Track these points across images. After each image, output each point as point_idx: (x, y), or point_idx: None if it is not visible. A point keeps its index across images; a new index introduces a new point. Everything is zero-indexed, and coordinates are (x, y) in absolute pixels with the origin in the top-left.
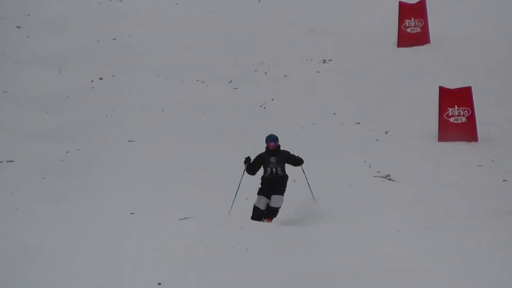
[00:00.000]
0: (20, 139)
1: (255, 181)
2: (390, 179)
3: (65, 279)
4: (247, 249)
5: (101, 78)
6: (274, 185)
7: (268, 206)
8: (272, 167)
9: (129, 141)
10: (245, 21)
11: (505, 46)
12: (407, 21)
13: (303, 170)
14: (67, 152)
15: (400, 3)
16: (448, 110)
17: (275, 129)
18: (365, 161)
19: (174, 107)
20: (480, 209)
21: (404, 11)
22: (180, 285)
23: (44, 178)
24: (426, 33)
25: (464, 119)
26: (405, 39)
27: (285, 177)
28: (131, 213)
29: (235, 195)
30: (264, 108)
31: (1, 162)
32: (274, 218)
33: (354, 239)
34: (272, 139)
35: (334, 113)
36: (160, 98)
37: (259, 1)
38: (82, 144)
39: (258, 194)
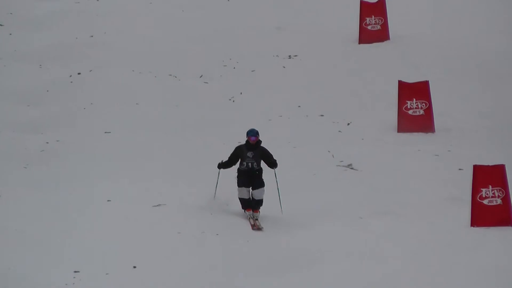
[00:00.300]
0: (2, 130)
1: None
2: (352, 168)
3: (44, 262)
4: (217, 234)
5: (79, 73)
6: (252, 179)
7: (252, 198)
8: (249, 162)
9: (105, 132)
10: (214, 20)
11: (460, 43)
12: (367, 19)
13: (275, 175)
14: (47, 142)
15: (361, 2)
16: (407, 103)
17: (243, 121)
18: (329, 151)
19: (148, 100)
20: (436, 196)
21: (365, 10)
22: (154, 268)
23: (25, 168)
24: (386, 30)
25: (422, 112)
26: (366, 36)
27: (260, 170)
28: (108, 200)
29: (214, 194)
30: (233, 101)
31: None
32: (260, 207)
33: (320, 225)
34: (253, 133)
35: (299, 106)
36: (135, 92)
37: (228, 0)
38: (61, 135)
39: (239, 186)
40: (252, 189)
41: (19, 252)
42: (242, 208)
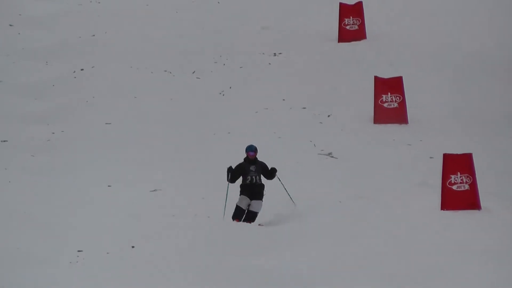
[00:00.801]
0: (12, 122)
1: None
2: (332, 156)
3: (50, 242)
4: (208, 217)
5: (82, 69)
6: (253, 191)
7: (248, 210)
8: (252, 175)
9: (106, 123)
10: (206, 20)
11: (432, 42)
12: (346, 19)
13: (279, 178)
14: (53, 133)
15: (340, 4)
16: (382, 96)
17: (232, 113)
18: (311, 141)
19: (145, 94)
20: (409, 182)
21: (344, 11)
22: (150, 248)
23: (33, 156)
24: (363, 30)
25: (396, 105)
26: (345, 35)
27: (262, 186)
28: (108, 186)
29: (225, 204)
30: (223, 95)
31: None
32: (252, 222)
33: (303, 209)
34: (251, 149)
35: (284, 99)
36: (133, 86)
37: (218, 2)
38: (65, 126)
39: (240, 194)
40: (252, 198)
41: (27, 232)
42: (233, 216)
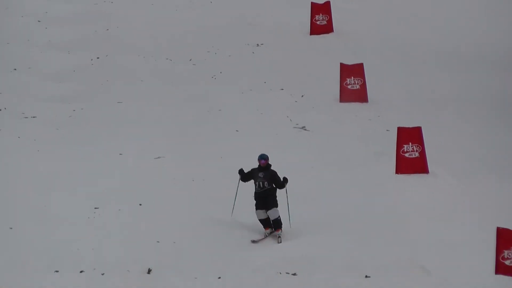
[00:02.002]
0: (40, 101)
1: (249, 196)
2: (305, 130)
3: (71, 201)
4: (203, 180)
5: (98, 58)
6: (266, 200)
7: (269, 218)
8: (259, 181)
9: (118, 102)
10: (201, 17)
11: (391, 36)
12: (316, 16)
13: (286, 191)
14: (74, 110)
15: (312, 3)
16: (347, 80)
17: (222, 93)
18: (287, 117)
19: (150, 78)
20: (369, 151)
21: (314, 9)
22: (155, 206)
23: (57, 129)
24: (331, 24)
25: (358, 86)
26: (315, 29)
27: (273, 189)
28: (120, 154)
29: (234, 202)
30: (215, 78)
31: (26, 117)
32: (282, 226)
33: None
34: (263, 157)
35: (265, 82)
36: (140, 71)
37: (211, 2)
38: (84, 105)
39: (256, 209)
40: (267, 210)
41: (52, 193)
42: (263, 226)
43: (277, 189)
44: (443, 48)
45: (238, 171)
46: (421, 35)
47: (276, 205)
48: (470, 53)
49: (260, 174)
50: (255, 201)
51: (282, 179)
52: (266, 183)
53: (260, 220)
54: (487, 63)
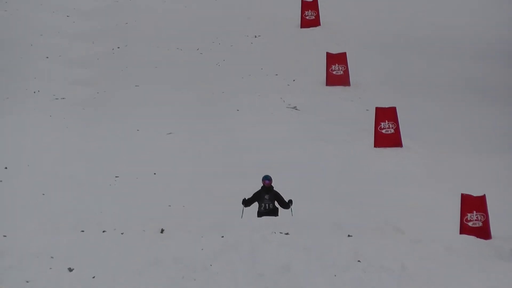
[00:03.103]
0: (68, 84)
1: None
2: (296, 109)
3: (94, 169)
4: (208, 152)
5: (118, 47)
6: (269, 215)
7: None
8: (266, 203)
9: (135, 86)
10: (206, 12)
11: (372, 28)
12: (306, 12)
13: (291, 210)
14: (97, 92)
15: (302, 1)
16: (332, 66)
17: (224, 78)
18: (281, 98)
19: (163, 65)
20: (351, 127)
21: (304, 5)
22: (167, 175)
23: (83, 109)
24: (318, 19)
25: (341, 72)
26: (305, 23)
27: (276, 209)
28: (137, 130)
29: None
30: (219, 65)
31: (57, 99)
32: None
33: (273, 145)
34: (267, 178)
35: (262, 68)
36: (155, 59)
37: (215, 0)
38: (106, 88)
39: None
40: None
41: (79, 164)
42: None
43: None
44: (420, 37)
45: (241, 201)
46: (399, 26)
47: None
48: (444, 41)
49: (266, 196)
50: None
51: (287, 201)
52: (271, 204)
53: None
54: (460, 51)
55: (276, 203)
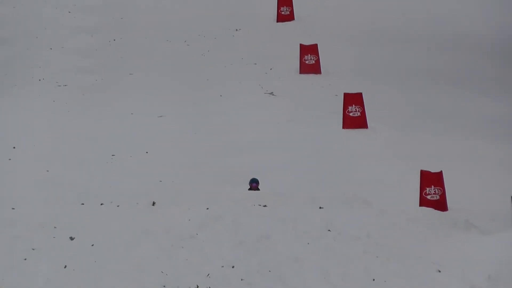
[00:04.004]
0: (70, 72)
1: None
2: (273, 95)
3: (93, 148)
4: (195, 133)
5: (114, 40)
6: None
7: None
8: None
9: (129, 74)
10: (192, 8)
11: (342, 22)
12: (281, 8)
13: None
14: (96, 80)
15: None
16: (305, 56)
17: (209, 67)
18: (259, 85)
19: (155, 55)
20: (322, 111)
21: (280, 2)
22: (158, 154)
23: (83, 95)
24: (292, 14)
25: (313, 61)
26: (281, 18)
27: None
28: (131, 113)
29: None
30: (204, 56)
31: (59, 86)
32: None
33: (246, 125)
34: (254, 181)
35: (242, 58)
36: (147, 50)
37: None
38: (104, 75)
39: None
40: None
41: (79, 143)
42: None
43: None
44: (384, 28)
45: None
46: (365, 19)
47: None
48: (408, 33)
49: None
50: None
51: None
52: None
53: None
54: (422, 42)
55: None
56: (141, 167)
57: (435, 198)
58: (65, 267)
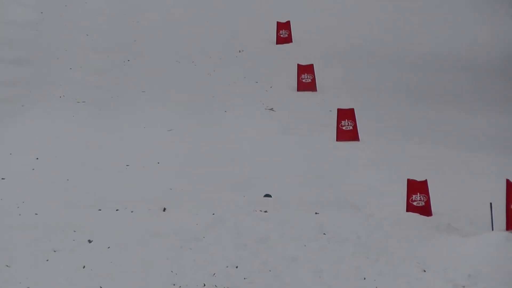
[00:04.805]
0: (88, 90)
1: None
2: (273, 110)
3: (108, 158)
4: (202, 145)
5: (128, 60)
6: None
7: None
8: None
9: (142, 91)
10: (199, 31)
11: (335, 43)
12: (280, 31)
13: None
14: (111, 97)
15: (277, 22)
16: (302, 75)
17: (214, 85)
18: (260, 101)
19: (165, 75)
20: (316, 124)
21: (279, 26)
22: (169, 164)
23: (100, 110)
24: (290, 36)
25: (310, 80)
26: (280, 40)
27: None
28: (144, 127)
29: None
30: (210, 75)
31: (78, 102)
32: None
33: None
34: (269, 196)
35: (245, 77)
36: (158, 70)
37: (207, 22)
38: (119, 93)
39: None
40: None
41: (95, 154)
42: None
43: None
44: (371, 50)
45: None
46: (355, 40)
47: None
48: (392, 53)
49: None
50: None
51: None
52: None
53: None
54: (404, 61)
55: None
56: (153, 176)
57: (420, 205)
58: (84, 267)
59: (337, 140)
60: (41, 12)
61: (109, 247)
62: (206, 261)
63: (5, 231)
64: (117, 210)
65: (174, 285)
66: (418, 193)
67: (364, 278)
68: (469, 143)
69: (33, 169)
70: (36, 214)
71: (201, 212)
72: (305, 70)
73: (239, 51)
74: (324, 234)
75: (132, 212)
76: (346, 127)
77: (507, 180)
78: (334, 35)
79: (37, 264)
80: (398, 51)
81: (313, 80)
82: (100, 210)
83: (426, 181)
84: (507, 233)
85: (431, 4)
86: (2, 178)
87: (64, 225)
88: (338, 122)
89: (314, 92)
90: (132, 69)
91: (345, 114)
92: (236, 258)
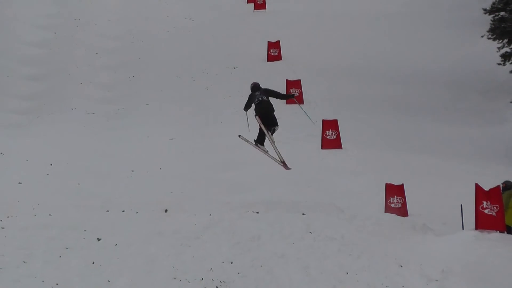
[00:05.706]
0: (97, 103)
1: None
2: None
3: (116, 165)
4: (201, 152)
5: (133, 76)
6: (264, 110)
7: (264, 134)
8: (258, 96)
9: (146, 104)
10: (197, 49)
11: (320, 60)
12: (271, 49)
13: (295, 100)
14: (118, 109)
15: (268, 42)
16: (290, 89)
17: (211, 98)
18: (253, 113)
19: (166, 89)
20: (303, 135)
21: (270, 45)
22: (170, 170)
23: (107, 121)
24: (280, 54)
25: (297, 93)
26: (270, 58)
27: (269, 103)
28: (147, 136)
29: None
30: (207, 89)
31: (88, 114)
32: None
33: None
34: (254, 83)
35: (238, 91)
36: (160, 84)
37: (205, 41)
38: (125, 105)
39: (256, 115)
40: (270, 126)
41: (105, 160)
42: (256, 141)
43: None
44: (352, 65)
45: (243, 109)
46: (340, 57)
47: (277, 122)
48: (372, 68)
49: (257, 93)
50: (255, 113)
51: (283, 93)
52: (264, 96)
53: (260, 129)
54: (389, 76)
55: (270, 99)
56: (155, 181)
57: (397, 206)
58: (93, 263)
59: (322, 148)
60: (55, 33)
61: (116, 245)
62: (204, 257)
63: (22, 231)
64: (123, 211)
65: (175, 279)
66: (396, 196)
67: (347, 273)
68: (442, 151)
69: (47, 174)
70: (50, 215)
71: (199, 213)
72: (293, 84)
73: (234, 68)
74: (311, 233)
75: (137, 213)
76: (330, 136)
77: (476, 185)
78: (319, 53)
79: (51, 260)
80: (378, 67)
81: (301, 93)
82: (108, 211)
83: (402, 185)
84: (476, 232)
85: (408, 24)
86: (19, 183)
87: (75, 225)
88: (323, 132)
89: (301, 104)
90: (137, 84)
91: (329, 125)
92: (231, 254)
